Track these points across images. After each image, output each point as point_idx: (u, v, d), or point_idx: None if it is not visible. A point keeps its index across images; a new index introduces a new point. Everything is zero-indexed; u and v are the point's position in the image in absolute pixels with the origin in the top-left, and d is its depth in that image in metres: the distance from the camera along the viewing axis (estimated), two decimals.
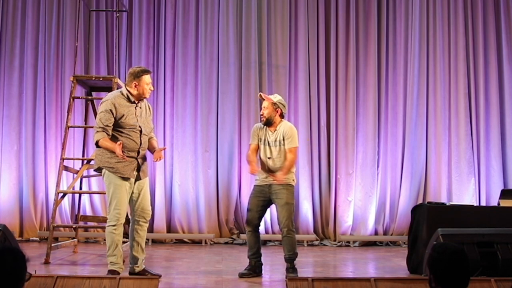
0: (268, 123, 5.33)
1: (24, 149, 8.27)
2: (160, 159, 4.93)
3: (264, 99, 5.40)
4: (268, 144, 5.33)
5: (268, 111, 5.31)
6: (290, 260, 5.29)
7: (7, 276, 2.26)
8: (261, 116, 5.38)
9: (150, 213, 5.05)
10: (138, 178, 4.90)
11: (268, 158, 5.31)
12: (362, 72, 8.51)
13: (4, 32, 8.45)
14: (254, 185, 5.45)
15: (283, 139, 5.28)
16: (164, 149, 5.33)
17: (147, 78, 4.90)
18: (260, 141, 5.39)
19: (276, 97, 5.41)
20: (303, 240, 8.08)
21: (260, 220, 5.41)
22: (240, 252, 7.07)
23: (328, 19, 8.58)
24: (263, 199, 5.33)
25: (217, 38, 8.46)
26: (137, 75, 4.87)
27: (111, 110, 4.75)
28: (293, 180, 5.32)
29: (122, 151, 4.66)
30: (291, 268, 5.28)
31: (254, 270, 5.35)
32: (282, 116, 5.37)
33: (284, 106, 5.38)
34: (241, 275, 5.28)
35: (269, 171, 5.29)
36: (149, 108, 5.08)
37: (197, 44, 8.47)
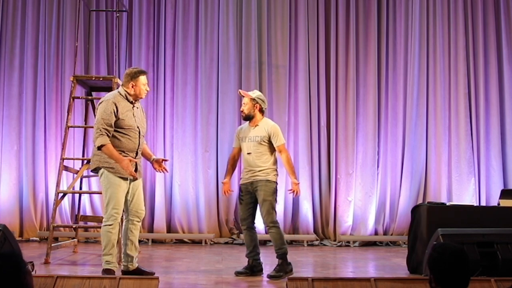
0: (248, 118, 5.45)
1: (24, 149, 8.27)
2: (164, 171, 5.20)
3: (243, 96, 5.51)
4: (248, 139, 5.40)
5: (247, 106, 5.43)
6: (280, 256, 5.27)
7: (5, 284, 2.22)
8: (241, 112, 5.51)
9: (144, 212, 5.09)
10: (134, 178, 4.93)
11: (248, 153, 5.39)
12: (362, 72, 8.51)
13: (4, 32, 8.46)
14: (239, 184, 5.55)
15: (268, 137, 5.35)
16: (167, 160, 5.44)
17: (143, 79, 4.97)
18: (241, 140, 5.49)
19: (255, 93, 5.52)
20: (303, 240, 8.08)
21: (252, 218, 5.43)
22: (240, 252, 7.06)
23: (328, 19, 8.58)
24: (249, 196, 5.39)
25: (217, 38, 8.46)
26: (134, 76, 4.93)
27: (112, 110, 4.78)
28: (274, 175, 5.36)
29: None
30: (278, 266, 5.25)
31: (251, 269, 5.35)
32: (262, 111, 5.46)
33: (263, 102, 5.47)
34: (237, 274, 5.30)
35: (250, 168, 5.35)
36: (142, 110, 5.16)
37: (197, 44, 8.47)
